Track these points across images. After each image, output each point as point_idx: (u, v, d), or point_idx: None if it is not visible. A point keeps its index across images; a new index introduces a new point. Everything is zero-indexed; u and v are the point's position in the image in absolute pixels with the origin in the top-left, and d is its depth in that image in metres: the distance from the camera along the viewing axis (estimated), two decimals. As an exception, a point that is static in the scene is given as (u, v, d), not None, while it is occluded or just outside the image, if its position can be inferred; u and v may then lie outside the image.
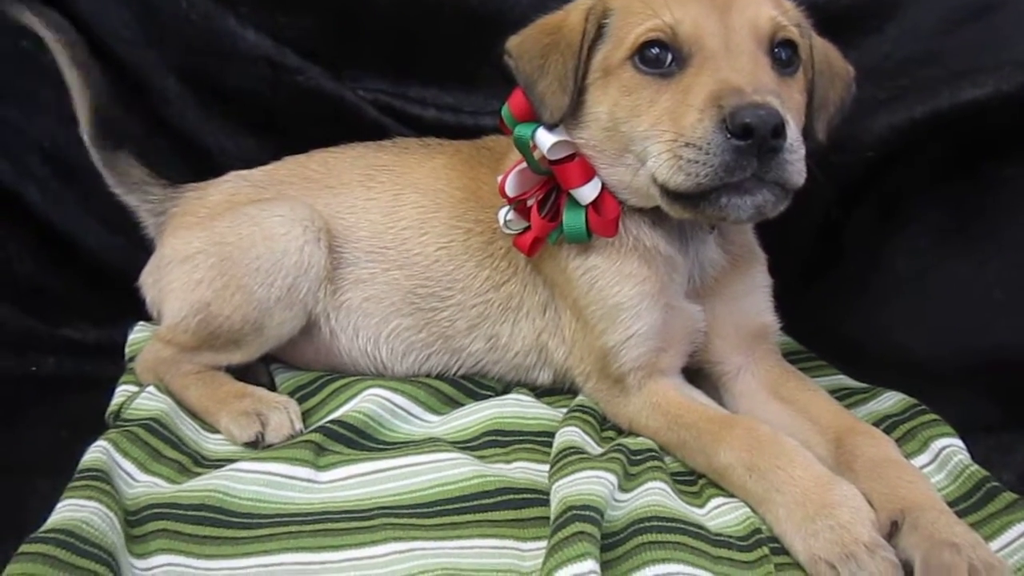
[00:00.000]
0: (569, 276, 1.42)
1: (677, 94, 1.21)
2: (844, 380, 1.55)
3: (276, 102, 1.80)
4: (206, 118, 1.79)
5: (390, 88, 1.86)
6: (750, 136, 1.11)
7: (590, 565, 0.99)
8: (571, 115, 1.35)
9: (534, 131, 1.34)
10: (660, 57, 1.24)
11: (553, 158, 1.34)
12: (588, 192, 1.34)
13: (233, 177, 1.65)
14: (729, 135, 1.12)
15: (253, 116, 1.79)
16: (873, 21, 1.65)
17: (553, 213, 1.40)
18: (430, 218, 1.54)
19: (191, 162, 1.81)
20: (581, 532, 1.03)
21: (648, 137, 1.24)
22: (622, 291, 1.37)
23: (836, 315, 1.63)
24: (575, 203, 1.36)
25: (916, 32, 1.60)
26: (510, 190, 1.39)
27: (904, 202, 1.51)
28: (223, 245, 1.46)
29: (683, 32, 1.22)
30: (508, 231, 1.43)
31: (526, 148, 1.35)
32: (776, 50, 1.26)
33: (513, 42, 1.37)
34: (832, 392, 1.44)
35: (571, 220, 1.36)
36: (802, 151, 1.17)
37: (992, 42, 1.46)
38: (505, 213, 1.42)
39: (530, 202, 1.40)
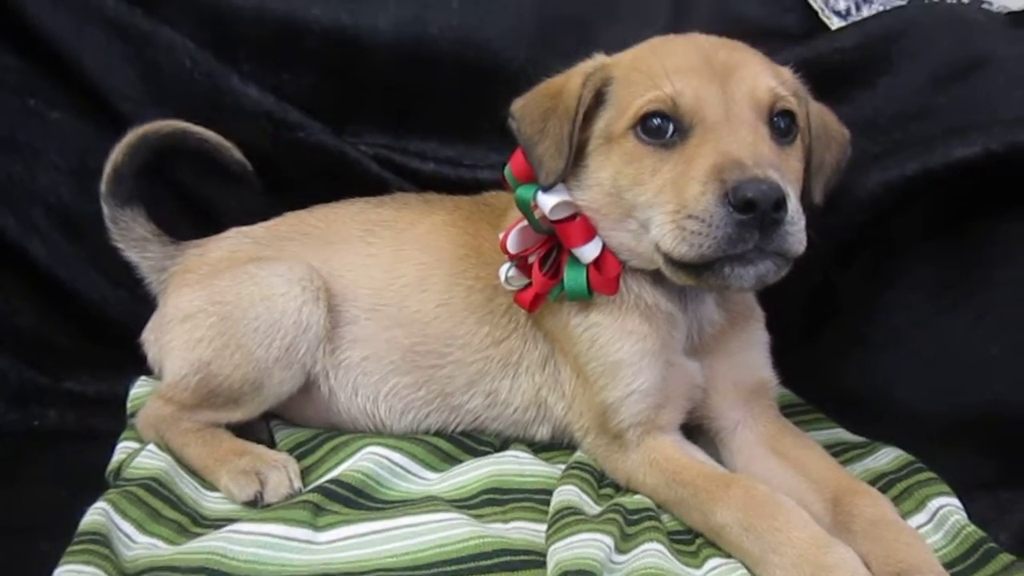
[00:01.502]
0: (570, 333, 1.43)
1: (679, 165, 1.23)
2: (842, 434, 1.55)
3: (278, 158, 1.81)
4: (209, 174, 1.81)
5: (390, 142, 1.88)
6: (752, 210, 1.13)
7: (586, 632, 0.99)
8: (574, 177, 1.37)
9: (535, 192, 1.36)
10: (662, 127, 1.26)
11: (555, 218, 1.36)
12: (590, 251, 1.36)
13: (234, 233, 1.67)
14: (732, 209, 1.14)
15: (256, 172, 1.81)
16: (865, 75, 1.68)
17: (554, 270, 1.41)
18: (430, 275, 1.55)
19: (194, 217, 1.82)
20: (576, 599, 1.04)
21: (651, 206, 1.26)
22: (623, 348, 1.38)
23: (834, 370, 1.64)
24: (576, 261, 1.38)
25: (908, 87, 1.62)
26: (512, 247, 1.40)
27: (898, 258, 1.53)
28: (223, 304, 1.48)
29: (684, 104, 1.24)
30: (509, 287, 1.45)
31: (527, 209, 1.37)
32: (775, 119, 1.28)
33: (517, 105, 1.39)
34: (830, 447, 1.45)
35: (572, 278, 1.37)
36: (802, 221, 1.19)
37: (983, 99, 1.48)
38: (506, 270, 1.44)
39: (531, 259, 1.42)
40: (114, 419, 1.64)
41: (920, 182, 1.44)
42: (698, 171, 1.19)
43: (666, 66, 1.27)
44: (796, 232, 1.17)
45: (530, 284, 1.42)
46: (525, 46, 1.85)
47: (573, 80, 1.36)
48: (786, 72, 1.37)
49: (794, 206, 1.17)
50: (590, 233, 1.36)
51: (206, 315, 1.48)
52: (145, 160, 1.70)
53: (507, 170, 1.42)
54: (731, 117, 1.23)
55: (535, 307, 1.44)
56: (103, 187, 1.68)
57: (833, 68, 1.69)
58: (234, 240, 1.65)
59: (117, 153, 1.67)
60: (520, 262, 1.43)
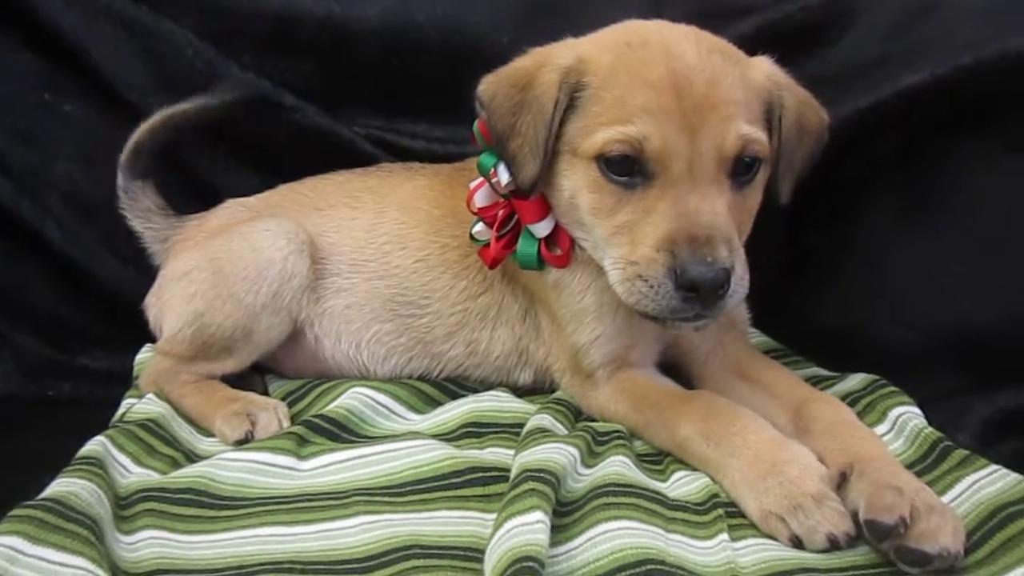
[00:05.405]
0: (542, 284, 1.49)
1: (637, 212, 1.24)
2: (817, 371, 1.58)
3: (276, 140, 1.91)
4: (212, 156, 1.91)
5: (382, 124, 1.97)
6: (696, 291, 1.17)
7: (538, 516, 1.03)
8: None
9: (497, 164, 1.38)
10: (625, 167, 1.24)
11: (508, 190, 1.39)
12: (542, 228, 1.41)
13: (231, 204, 1.76)
14: (678, 284, 1.17)
15: (255, 153, 1.91)
16: (829, 32, 1.72)
17: (512, 236, 1.46)
18: (409, 233, 1.63)
19: (198, 197, 1.90)
20: (532, 489, 1.08)
21: (606, 243, 1.28)
22: (585, 298, 1.44)
23: (811, 313, 1.67)
24: (531, 233, 1.43)
25: (870, 38, 1.66)
26: (478, 201, 1.46)
27: (861, 194, 1.56)
28: (216, 260, 1.56)
29: (650, 149, 1.21)
30: (476, 242, 1.50)
31: (487, 174, 1.41)
32: (740, 162, 1.25)
33: (483, 89, 1.36)
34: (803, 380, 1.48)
35: (524, 250, 1.43)
36: (745, 281, 1.21)
37: (936, 39, 1.51)
38: (474, 223, 1.50)
39: (499, 212, 1.47)
40: (123, 390, 1.70)
41: (874, 114, 1.48)
42: (654, 231, 1.20)
43: (638, 99, 1.22)
44: (737, 294, 1.20)
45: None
46: (508, 30, 1.93)
47: (546, 75, 1.29)
48: (763, 73, 1.31)
49: (739, 273, 1.19)
50: (544, 211, 1.40)
51: (200, 271, 1.57)
52: (165, 140, 1.80)
53: (476, 129, 1.45)
54: (695, 171, 1.21)
55: (495, 265, 1.50)
56: (122, 158, 1.77)
57: (800, 27, 1.74)
58: (230, 210, 1.74)
59: (140, 132, 1.76)
60: (488, 218, 1.48)
